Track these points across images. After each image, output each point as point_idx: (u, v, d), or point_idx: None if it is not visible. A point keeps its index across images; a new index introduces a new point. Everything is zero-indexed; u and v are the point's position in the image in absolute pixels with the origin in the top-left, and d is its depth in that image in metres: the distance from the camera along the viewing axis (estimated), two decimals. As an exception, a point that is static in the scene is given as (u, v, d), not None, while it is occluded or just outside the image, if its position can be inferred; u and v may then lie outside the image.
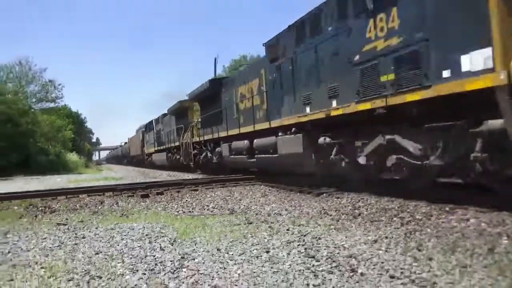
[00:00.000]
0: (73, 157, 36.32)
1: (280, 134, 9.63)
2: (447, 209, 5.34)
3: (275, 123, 9.95)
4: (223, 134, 13.93)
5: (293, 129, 8.99)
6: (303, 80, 8.58)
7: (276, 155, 9.71)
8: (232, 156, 13.18)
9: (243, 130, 12.06)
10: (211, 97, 15.19)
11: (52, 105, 37.19)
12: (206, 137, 16.12)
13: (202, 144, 16.93)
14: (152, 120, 29.87)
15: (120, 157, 62.93)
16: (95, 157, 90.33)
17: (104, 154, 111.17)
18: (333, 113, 7.54)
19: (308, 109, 8.39)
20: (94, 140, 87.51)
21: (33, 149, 29.53)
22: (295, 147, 8.74)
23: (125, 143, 58.05)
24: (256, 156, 11.26)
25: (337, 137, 7.80)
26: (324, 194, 7.79)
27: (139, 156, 36.31)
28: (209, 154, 16.04)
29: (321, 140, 8.19)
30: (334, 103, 7.47)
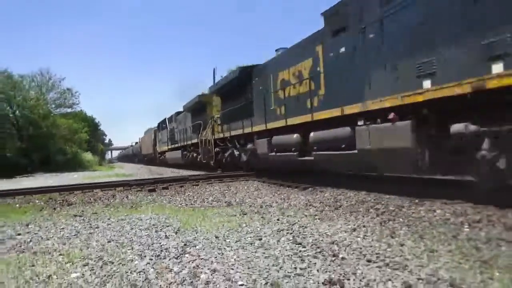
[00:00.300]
0: (88, 156, 35.99)
1: (360, 123, 6.51)
2: (416, 201, 5.38)
3: (352, 109, 6.63)
4: (258, 128, 10.55)
5: (392, 114, 5.70)
6: (409, 44, 5.39)
7: (353, 152, 6.62)
8: (274, 154, 9.77)
9: (292, 121, 8.74)
10: (238, 88, 12.01)
11: (69, 110, 36.73)
12: (233, 133, 12.59)
13: (227, 141, 13.46)
14: (165, 119, 25.97)
15: (131, 156, 58.40)
16: (108, 156, 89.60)
17: (115, 153, 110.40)
18: (499, 82, 4.17)
19: (427, 83, 5.13)
20: (106, 141, 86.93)
21: (53, 149, 29.21)
22: (396, 140, 5.59)
23: (136, 143, 54.68)
24: (314, 153, 7.96)
25: (495, 123, 4.44)
26: (310, 188, 7.80)
27: (151, 155, 32.87)
28: (236, 152, 12.72)
29: (457, 127, 4.77)
30: (498, 67, 4.15)
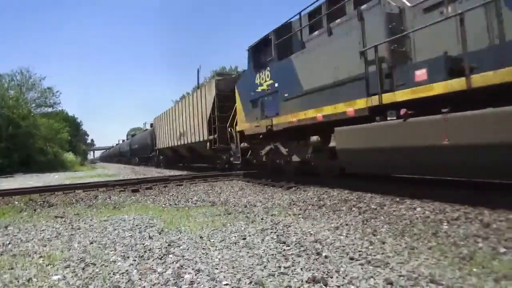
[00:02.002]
0: (69, 156, 35.24)
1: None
2: (397, 199, 5.46)
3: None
4: None
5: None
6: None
7: None
8: None
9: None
10: None
11: (50, 110, 36.02)
12: None
13: None
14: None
15: (125, 154, 41.68)
16: (90, 156, 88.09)
17: (98, 153, 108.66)
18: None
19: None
20: (89, 141, 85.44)
21: (33, 150, 28.51)
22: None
23: (133, 135, 39.27)
24: None
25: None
26: (293, 188, 7.84)
27: (200, 146, 14.68)
28: None
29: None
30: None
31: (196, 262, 3.11)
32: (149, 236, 4.12)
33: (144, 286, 2.62)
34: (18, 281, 2.83)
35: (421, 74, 5.02)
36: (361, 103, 5.92)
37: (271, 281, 2.61)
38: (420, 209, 4.77)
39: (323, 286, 2.49)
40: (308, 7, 7.73)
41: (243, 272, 2.80)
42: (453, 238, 3.48)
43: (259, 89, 9.31)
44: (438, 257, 2.98)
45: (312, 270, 2.80)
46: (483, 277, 2.53)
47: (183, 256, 3.28)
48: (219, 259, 3.16)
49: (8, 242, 4.18)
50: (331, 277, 2.63)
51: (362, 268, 2.79)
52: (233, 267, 2.93)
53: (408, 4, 5.50)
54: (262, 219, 4.87)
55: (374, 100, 5.68)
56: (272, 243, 3.62)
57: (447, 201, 4.94)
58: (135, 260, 3.22)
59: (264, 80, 9.07)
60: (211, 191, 8.55)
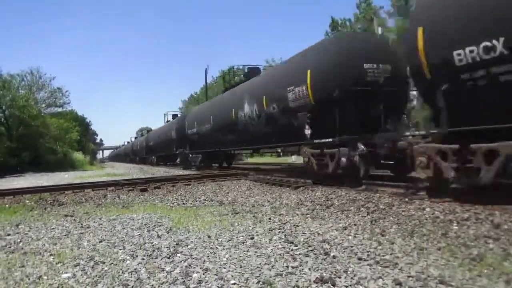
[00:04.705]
0: (78, 156, 35.57)
1: None
2: (406, 200, 5.42)
3: None
4: None
5: None
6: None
7: None
8: None
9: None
10: None
11: (60, 109, 36.27)
12: None
13: None
14: None
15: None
16: (99, 155, 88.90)
17: (107, 153, 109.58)
18: None
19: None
20: (98, 141, 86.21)
21: (43, 149, 28.84)
22: None
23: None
24: None
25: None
26: (301, 188, 7.82)
27: None
28: None
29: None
30: None
31: (204, 261, 3.12)
32: (158, 235, 4.15)
33: (152, 285, 2.64)
34: (29, 279, 2.87)
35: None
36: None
37: (279, 280, 2.61)
38: (430, 209, 4.73)
39: (331, 286, 2.48)
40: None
41: (251, 272, 2.80)
42: (463, 239, 3.45)
43: None
44: (448, 258, 2.95)
45: (320, 270, 2.79)
46: (493, 279, 2.50)
47: (191, 255, 3.30)
48: (227, 258, 3.18)
49: (19, 240, 4.24)
50: (339, 277, 2.63)
51: (370, 269, 2.78)
52: (240, 267, 2.93)
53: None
54: (269, 218, 4.87)
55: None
56: (280, 242, 3.62)
57: (457, 202, 4.90)
58: (143, 259, 3.25)
59: None
60: (219, 190, 8.58)
